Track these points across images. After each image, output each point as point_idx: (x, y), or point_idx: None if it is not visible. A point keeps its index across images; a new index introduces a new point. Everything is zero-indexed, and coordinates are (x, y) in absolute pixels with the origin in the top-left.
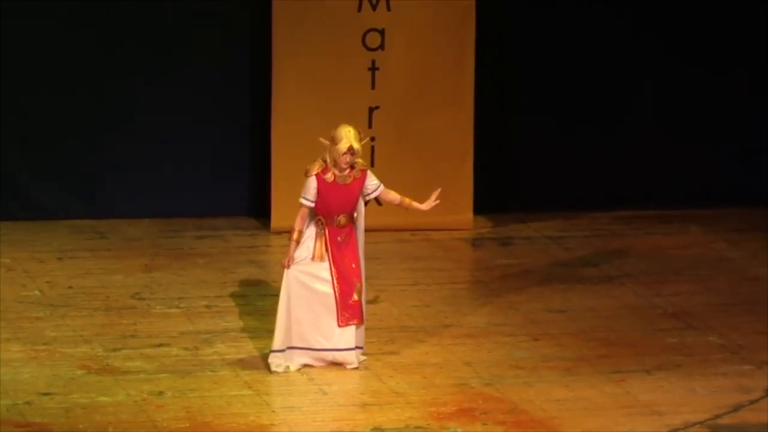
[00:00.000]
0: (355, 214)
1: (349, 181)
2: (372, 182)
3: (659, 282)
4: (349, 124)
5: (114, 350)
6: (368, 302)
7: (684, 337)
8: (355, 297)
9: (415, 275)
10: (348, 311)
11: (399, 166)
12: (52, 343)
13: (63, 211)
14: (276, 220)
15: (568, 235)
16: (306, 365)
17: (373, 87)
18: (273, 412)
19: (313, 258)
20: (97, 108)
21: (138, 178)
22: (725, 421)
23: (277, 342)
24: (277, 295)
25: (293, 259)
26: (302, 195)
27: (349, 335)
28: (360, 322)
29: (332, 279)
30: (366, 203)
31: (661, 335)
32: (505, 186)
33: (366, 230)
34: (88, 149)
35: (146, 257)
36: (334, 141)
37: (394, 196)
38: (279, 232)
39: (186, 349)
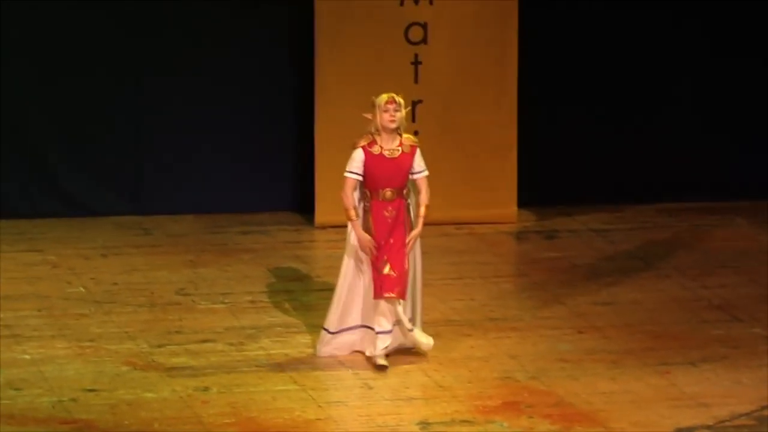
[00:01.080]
0: (405, 191)
1: (396, 154)
2: (418, 163)
3: (705, 274)
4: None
5: (159, 346)
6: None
7: (730, 329)
8: (385, 271)
9: (459, 269)
10: (379, 283)
11: (442, 159)
12: (97, 339)
13: (107, 207)
14: (320, 216)
15: (613, 228)
16: (356, 351)
17: (416, 81)
18: (319, 407)
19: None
20: (141, 103)
21: (182, 174)
22: None
23: (330, 322)
24: (322, 290)
25: (366, 238)
26: (347, 168)
27: (386, 314)
28: (395, 294)
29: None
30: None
31: (706, 327)
32: (550, 179)
33: None
34: (132, 145)
35: (191, 253)
36: (373, 105)
37: (423, 194)
38: (323, 227)
39: (231, 344)
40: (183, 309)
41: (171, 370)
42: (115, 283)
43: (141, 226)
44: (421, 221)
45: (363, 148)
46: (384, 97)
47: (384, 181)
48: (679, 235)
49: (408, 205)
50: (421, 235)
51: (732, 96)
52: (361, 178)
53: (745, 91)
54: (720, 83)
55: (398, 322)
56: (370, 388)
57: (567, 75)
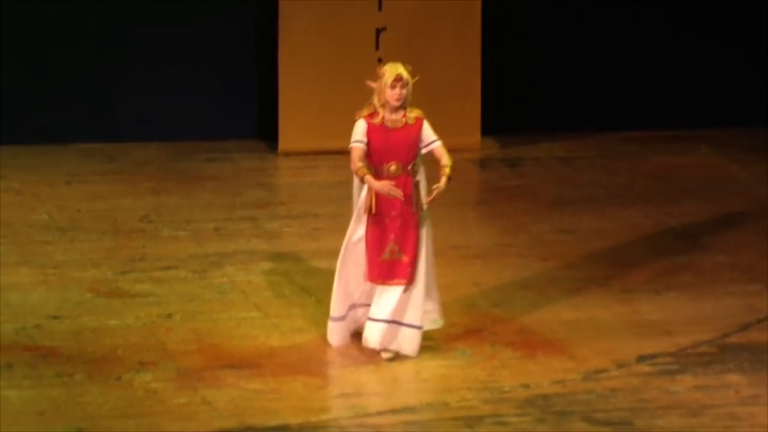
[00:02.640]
0: (410, 167)
1: (400, 125)
2: (428, 134)
3: (669, 202)
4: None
5: (123, 273)
6: None
7: (693, 257)
8: (386, 256)
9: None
10: (376, 269)
11: None
12: (60, 266)
13: (72, 135)
14: (284, 143)
15: (576, 156)
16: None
17: (380, 8)
18: (282, 334)
19: (364, 211)
20: (106, 31)
21: (147, 102)
22: (733, 340)
23: (334, 308)
24: (286, 218)
25: (383, 182)
26: (352, 139)
27: (383, 305)
28: (406, 281)
29: (369, 230)
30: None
31: (670, 255)
32: (514, 107)
33: None
34: (97, 73)
35: (155, 181)
36: (379, 76)
37: (443, 160)
38: (287, 154)
39: (194, 272)
40: (147, 236)
41: (135, 297)
42: (79, 211)
43: (105, 153)
44: (444, 179)
45: (364, 118)
46: (392, 73)
47: (387, 153)
48: (644, 164)
49: (417, 183)
50: None
51: (697, 25)
52: (365, 146)
53: (711, 20)
54: (687, 11)
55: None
56: None
57: (532, 3)
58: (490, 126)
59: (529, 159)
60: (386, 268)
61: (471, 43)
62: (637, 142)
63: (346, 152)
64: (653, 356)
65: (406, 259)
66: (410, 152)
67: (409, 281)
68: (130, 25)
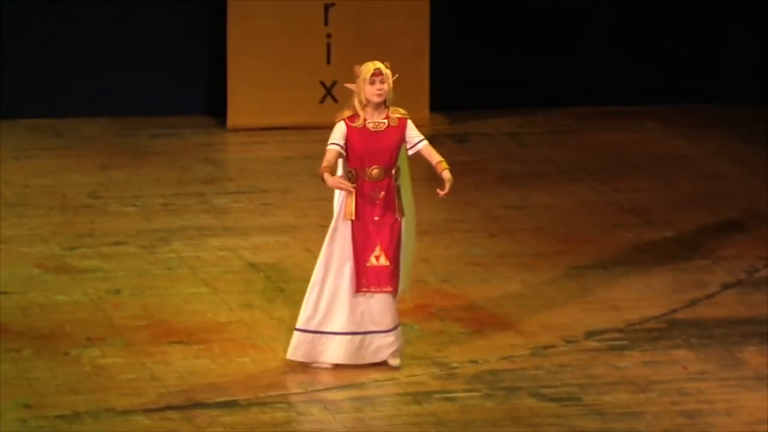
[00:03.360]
0: (393, 171)
1: (382, 128)
2: (413, 134)
3: (617, 178)
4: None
5: (71, 249)
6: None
7: (642, 234)
8: (372, 262)
9: None
10: (364, 277)
11: (355, 63)
12: (8, 242)
13: (20, 110)
14: (232, 118)
15: (525, 132)
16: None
17: None
18: (230, 309)
19: (344, 217)
20: (54, 6)
21: (95, 77)
22: (681, 315)
23: (302, 318)
24: (234, 193)
25: (336, 178)
26: (329, 140)
27: (377, 311)
28: (391, 289)
29: (353, 238)
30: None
31: (619, 231)
32: (462, 83)
33: (321, 127)
34: (45, 48)
35: (103, 156)
36: (356, 75)
37: (435, 158)
38: (235, 130)
39: (143, 247)
40: (95, 212)
41: (83, 273)
42: (27, 186)
43: (53, 128)
44: (447, 171)
45: (344, 121)
46: (370, 68)
47: (369, 157)
48: (592, 139)
49: (398, 186)
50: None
51: (642, 0)
52: (341, 149)
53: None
54: None
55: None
56: (282, 290)
57: None
58: (438, 102)
59: (478, 135)
60: (372, 276)
61: (420, 18)
62: (585, 117)
63: (294, 128)
64: (601, 332)
65: (391, 266)
66: (393, 156)
67: (394, 289)
68: (79, 2)
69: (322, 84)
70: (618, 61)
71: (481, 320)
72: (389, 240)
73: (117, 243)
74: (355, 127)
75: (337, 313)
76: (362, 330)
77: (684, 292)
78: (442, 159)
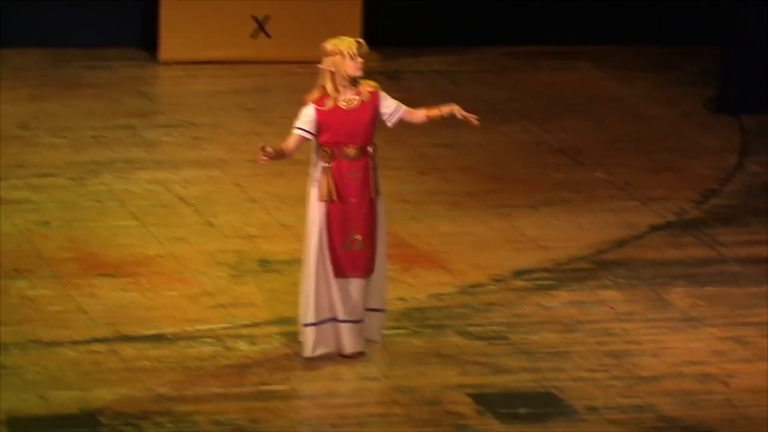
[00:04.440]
0: (370, 148)
1: (354, 104)
2: (388, 104)
3: (548, 118)
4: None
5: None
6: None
7: (572, 174)
8: (348, 246)
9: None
10: (341, 260)
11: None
12: None
13: None
14: (164, 52)
15: (457, 70)
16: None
17: None
18: (159, 243)
19: (320, 198)
20: None
21: (27, 8)
22: (610, 256)
23: (307, 313)
24: (165, 126)
25: (266, 149)
26: (295, 123)
27: (351, 301)
28: (356, 273)
29: (329, 221)
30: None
31: (549, 171)
32: (395, 19)
33: (253, 62)
34: None
35: (34, 87)
36: (334, 52)
37: (419, 115)
38: (167, 63)
39: (72, 179)
40: (25, 143)
41: (11, 204)
42: None
43: None
44: (445, 107)
45: (314, 103)
46: (352, 43)
47: (345, 136)
48: (524, 79)
49: (375, 165)
50: (264, 74)
51: None
52: (309, 135)
53: None
54: None
55: (371, 310)
56: (212, 225)
57: None
58: (371, 38)
59: (410, 72)
60: (351, 260)
61: None
62: (518, 57)
63: (226, 62)
64: (530, 271)
65: (368, 250)
66: (369, 133)
67: (370, 273)
68: None
69: (255, 19)
70: (552, 0)
71: (410, 258)
72: (366, 221)
73: (46, 175)
74: (326, 109)
75: (337, 300)
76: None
77: (612, 232)
78: (427, 108)
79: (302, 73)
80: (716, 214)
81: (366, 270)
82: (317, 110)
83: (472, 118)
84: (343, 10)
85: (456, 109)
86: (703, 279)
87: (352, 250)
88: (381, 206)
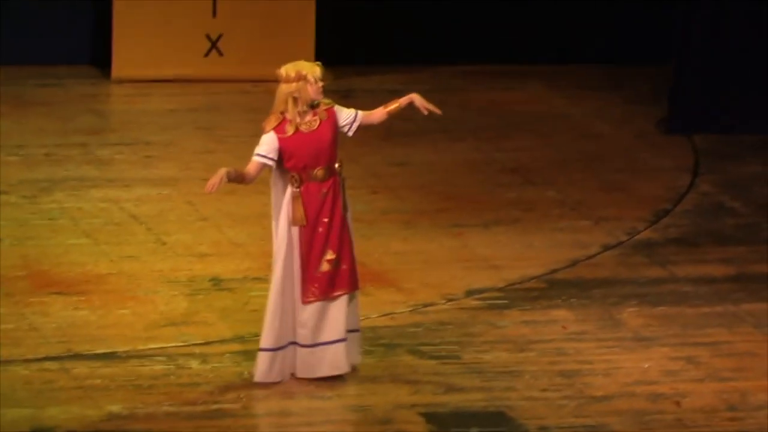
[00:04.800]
0: (336, 165)
1: (315, 126)
2: (345, 115)
3: (499, 137)
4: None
5: None
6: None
7: (523, 193)
8: (324, 267)
9: (255, 127)
10: (315, 284)
11: (240, 15)
12: None
13: None
14: (117, 70)
15: (408, 89)
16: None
17: None
18: (111, 261)
19: (293, 223)
20: None
21: None
22: (561, 275)
23: (267, 337)
24: (117, 144)
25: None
26: (255, 151)
27: (331, 322)
28: (351, 289)
29: (300, 245)
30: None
31: (500, 190)
32: (347, 38)
33: (206, 80)
34: None
35: None
36: (297, 77)
37: (378, 114)
38: (120, 81)
39: (24, 197)
40: None
41: None
42: None
43: None
44: (403, 98)
45: (274, 131)
46: (315, 68)
47: (311, 159)
48: (475, 98)
49: (343, 181)
50: (217, 92)
51: None
52: (271, 162)
53: None
54: None
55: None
56: (164, 243)
57: None
58: (323, 57)
59: (362, 91)
60: (326, 281)
61: None
62: (468, 76)
63: (179, 81)
64: (481, 290)
65: (344, 266)
66: (333, 151)
67: (354, 287)
68: None
69: (208, 37)
70: (503, 19)
71: (362, 277)
72: (339, 238)
73: None
74: (287, 136)
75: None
76: (342, 337)
77: (564, 252)
78: (385, 105)
79: (255, 91)
80: (668, 234)
81: (350, 284)
82: (279, 138)
83: (433, 108)
84: (296, 29)
85: (416, 98)
86: (655, 299)
87: (327, 270)
88: (350, 221)
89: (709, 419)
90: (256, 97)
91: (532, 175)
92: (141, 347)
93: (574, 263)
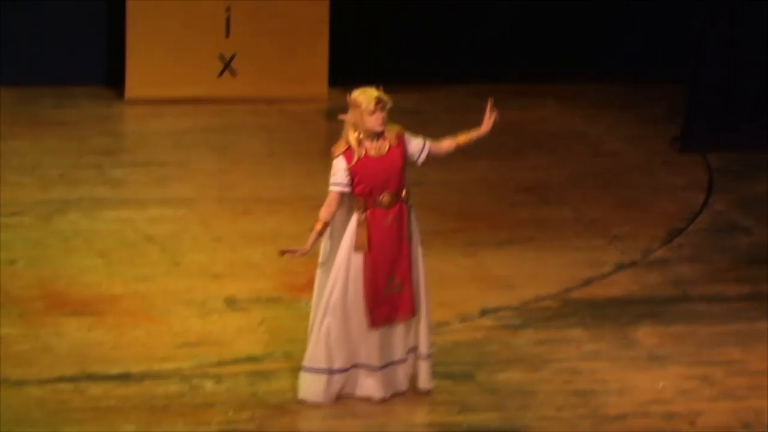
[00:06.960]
0: (404, 193)
1: (384, 151)
2: (415, 143)
3: (515, 156)
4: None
5: None
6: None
7: (538, 212)
8: (387, 292)
9: (270, 146)
10: (380, 308)
11: (255, 35)
12: None
13: None
14: (131, 90)
15: (423, 108)
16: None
17: None
18: (125, 281)
19: (356, 249)
20: None
21: None
22: (576, 294)
23: (312, 356)
24: (131, 166)
25: (307, 248)
26: (331, 181)
27: (394, 345)
28: (410, 315)
29: (364, 271)
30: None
31: (515, 209)
32: (360, 58)
33: (220, 101)
34: None
35: (2, 125)
36: (355, 105)
37: (448, 144)
38: (133, 102)
39: (39, 217)
40: None
41: None
42: None
43: None
44: (471, 133)
45: (344, 155)
46: (371, 98)
47: (379, 185)
48: None
49: (410, 208)
50: (231, 111)
51: None
52: (347, 189)
53: None
54: None
55: (412, 349)
56: (178, 263)
57: None
58: (337, 76)
59: None
60: (388, 305)
61: None
62: (484, 95)
63: (192, 101)
64: (496, 310)
65: (406, 291)
66: (402, 178)
67: (414, 313)
68: None
69: (221, 57)
70: (519, 39)
71: None
72: (403, 264)
73: (13, 213)
74: (356, 160)
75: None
76: (388, 361)
77: (579, 270)
78: (453, 137)
79: (268, 111)
80: (682, 253)
81: (408, 312)
82: (348, 162)
83: (493, 114)
84: (310, 49)
85: (486, 127)
86: (669, 317)
87: (391, 293)
88: (418, 248)
89: None
90: (270, 117)
91: (547, 194)
92: (155, 368)
93: (588, 282)
